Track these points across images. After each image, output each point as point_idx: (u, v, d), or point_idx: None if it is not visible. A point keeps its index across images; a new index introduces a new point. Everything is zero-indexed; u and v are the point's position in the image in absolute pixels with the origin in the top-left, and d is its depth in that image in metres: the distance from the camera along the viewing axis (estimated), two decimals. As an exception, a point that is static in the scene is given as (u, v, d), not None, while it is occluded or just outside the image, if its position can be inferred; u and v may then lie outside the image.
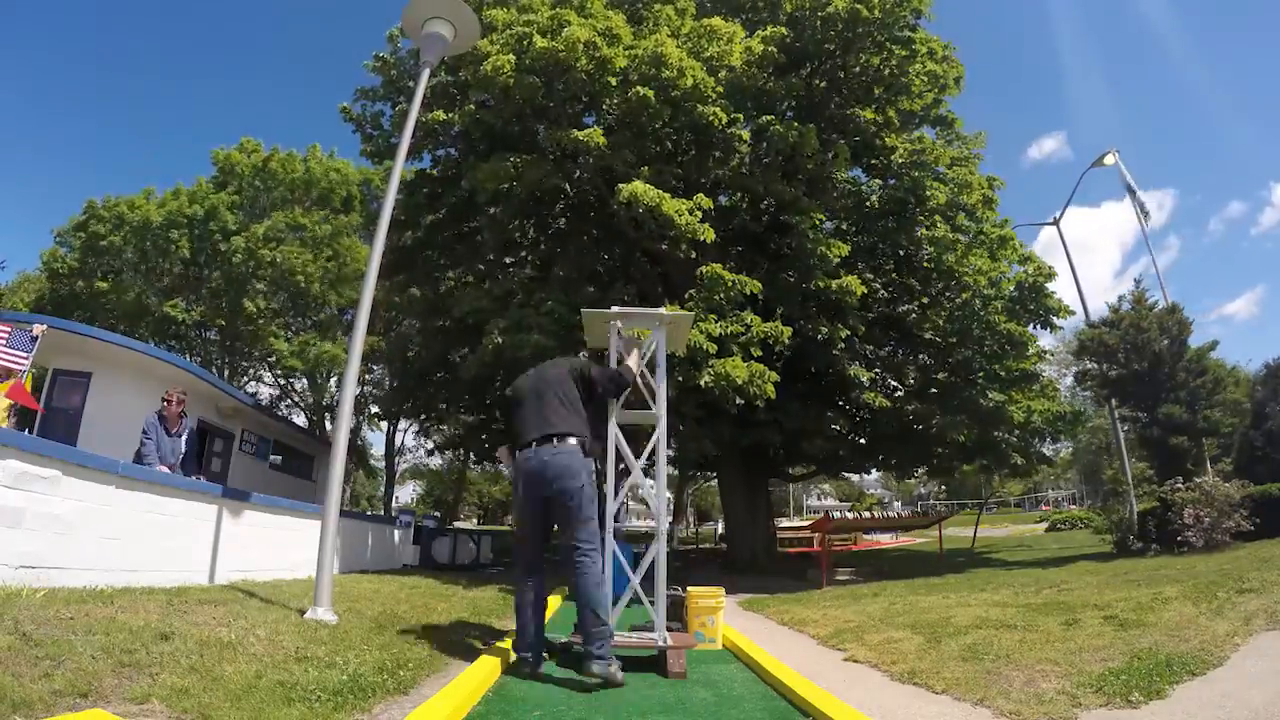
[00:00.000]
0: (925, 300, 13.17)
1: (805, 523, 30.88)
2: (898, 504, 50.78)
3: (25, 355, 6.88)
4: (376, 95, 13.57)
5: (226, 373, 25.28)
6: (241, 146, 25.50)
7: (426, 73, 5.91)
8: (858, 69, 11.77)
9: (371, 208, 24.92)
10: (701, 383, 9.07)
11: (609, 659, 3.32)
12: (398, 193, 6.82)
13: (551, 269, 12.48)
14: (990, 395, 12.42)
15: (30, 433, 7.92)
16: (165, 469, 6.24)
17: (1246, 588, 4.93)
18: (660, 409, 4.23)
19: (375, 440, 34.77)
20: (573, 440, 3.59)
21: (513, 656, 3.78)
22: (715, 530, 33.02)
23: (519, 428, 3.73)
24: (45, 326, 7.53)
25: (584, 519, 3.52)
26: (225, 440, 11.91)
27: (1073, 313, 13.39)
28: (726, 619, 5.10)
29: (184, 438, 6.99)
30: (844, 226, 12.98)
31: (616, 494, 4.23)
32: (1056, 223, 16.86)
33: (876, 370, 13.56)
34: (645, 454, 4.17)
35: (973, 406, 12.11)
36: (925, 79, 12.18)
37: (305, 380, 26.79)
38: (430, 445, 24.90)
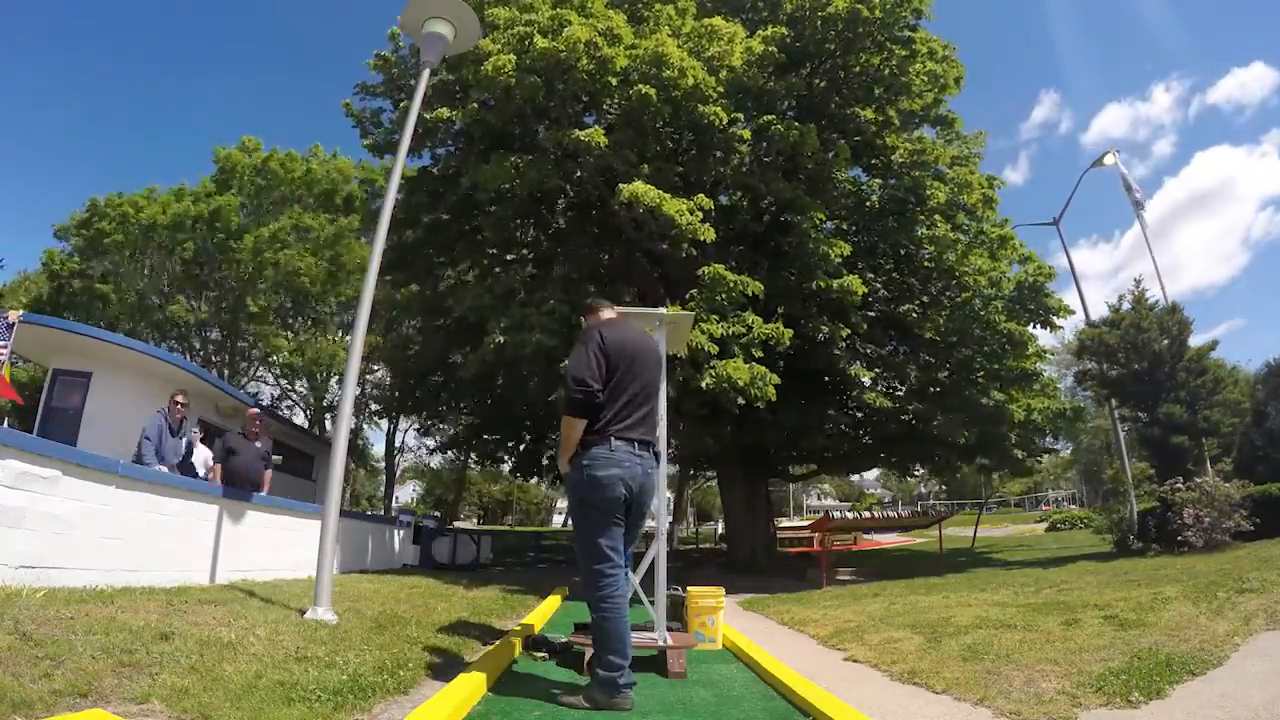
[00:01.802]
0: (926, 300, 13.18)
1: (805, 523, 30.87)
2: (900, 504, 50.73)
3: (3, 344, 6.87)
4: (377, 92, 13.59)
5: (226, 373, 25.28)
6: (242, 145, 25.54)
7: (427, 73, 5.91)
8: (858, 69, 11.77)
9: (373, 206, 24.95)
10: (704, 384, 9.08)
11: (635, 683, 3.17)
12: (398, 191, 6.84)
13: (552, 268, 12.48)
14: (991, 395, 12.43)
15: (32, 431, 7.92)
16: (164, 469, 6.26)
17: (1246, 588, 4.93)
18: (661, 406, 4.23)
19: (375, 439, 34.79)
20: (656, 458, 3.34)
21: (516, 653, 3.78)
22: (715, 530, 33.01)
23: (616, 407, 3.10)
24: (20, 313, 7.53)
25: (636, 537, 3.37)
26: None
27: (1072, 312, 13.40)
28: (726, 619, 5.10)
29: (185, 439, 7.03)
30: (844, 226, 12.99)
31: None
32: (1056, 223, 16.86)
33: (878, 369, 13.56)
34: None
35: (973, 406, 12.11)
36: (925, 79, 12.19)
37: (305, 380, 26.81)
38: (432, 445, 24.98)
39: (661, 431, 4.18)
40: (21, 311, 7.69)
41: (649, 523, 4.83)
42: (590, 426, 3.08)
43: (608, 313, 3.49)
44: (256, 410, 7.99)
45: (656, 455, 3.29)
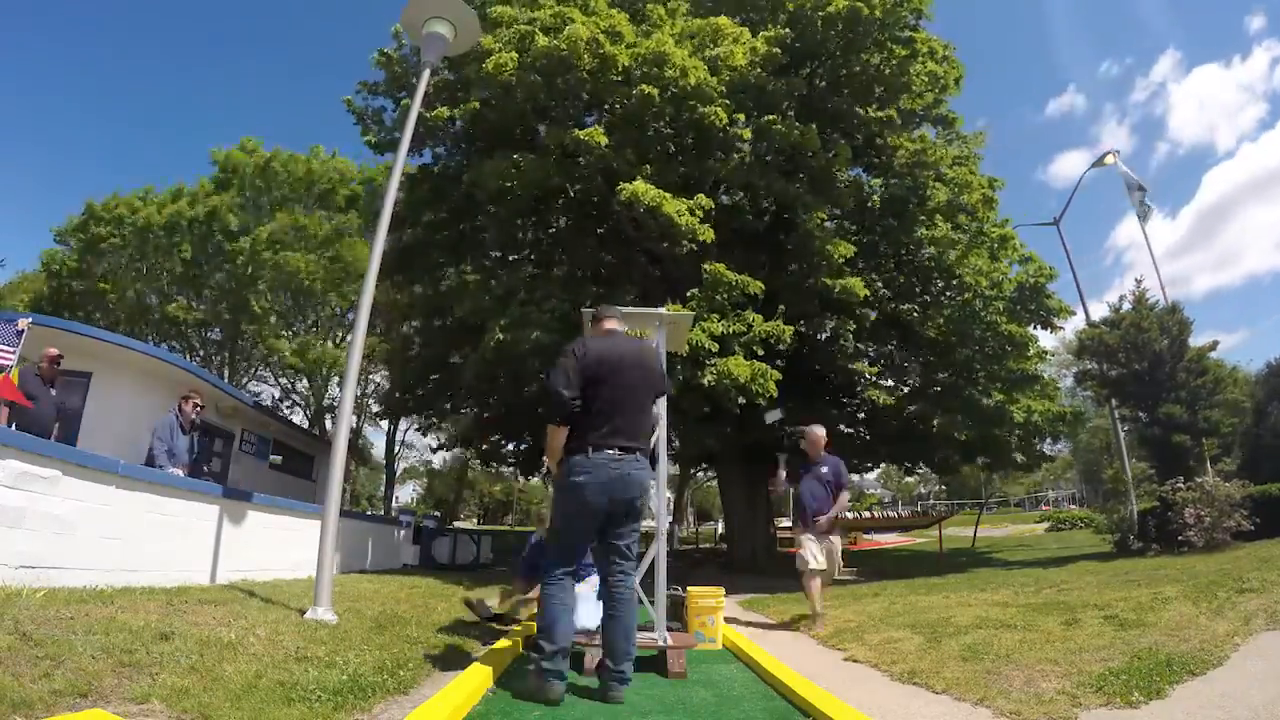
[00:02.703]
0: (926, 300, 13.18)
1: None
2: (900, 504, 50.73)
3: (11, 350, 6.86)
4: (379, 90, 13.62)
5: (226, 372, 25.29)
6: (242, 146, 25.55)
7: (427, 72, 5.91)
8: (858, 68, 11.77)
9: (375, 205, 24.97)
10: (705, 382, 9.07)
11: (631, 679, 3.22)
12: (399, 190, 6.84)
13: (553, 268, 12.49)
14: (991, 395, 12.43)
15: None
16: (178, 471, 6.31)
17: (1246, 587, 4.92)
18: (660, 408, 4.23)
19: (376, 439, 34.82)
20: (647, 459, 3.40)
21: (517, 652, 3.79)
22: (715, 530, 33.02)
23: (594, 415, 3.23)
24: (30, 320, 7.51)
25: (638, 534, 3.41)
26: (225, 440, 11.91)
27: (1073, 313, 13.41)
28: (726, 619, 5.10)
29: (194, 437, 7.07)
30: (846, 225, 12.99)
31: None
32: (1056, 223, 16.86)
33: (879, 366, 13.56)
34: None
35: (973, 406, 12.11)
36: (926, 79, 12.19)
37: (306, 380, 26.83)
38: (434, 445, 24.99)
39: (661, 433, 4.19)
40: (31, 317, 7.66)
41: (649, 523, 4.84)
42: (572, 434, 3.26)
43: (610, 323, 3.61)
44: (54, 350, 6.95)
45: (645, 456, 3.34)
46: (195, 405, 7.02)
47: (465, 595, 5.61)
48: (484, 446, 17.64)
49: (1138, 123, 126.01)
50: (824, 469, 5.82)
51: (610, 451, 3.19)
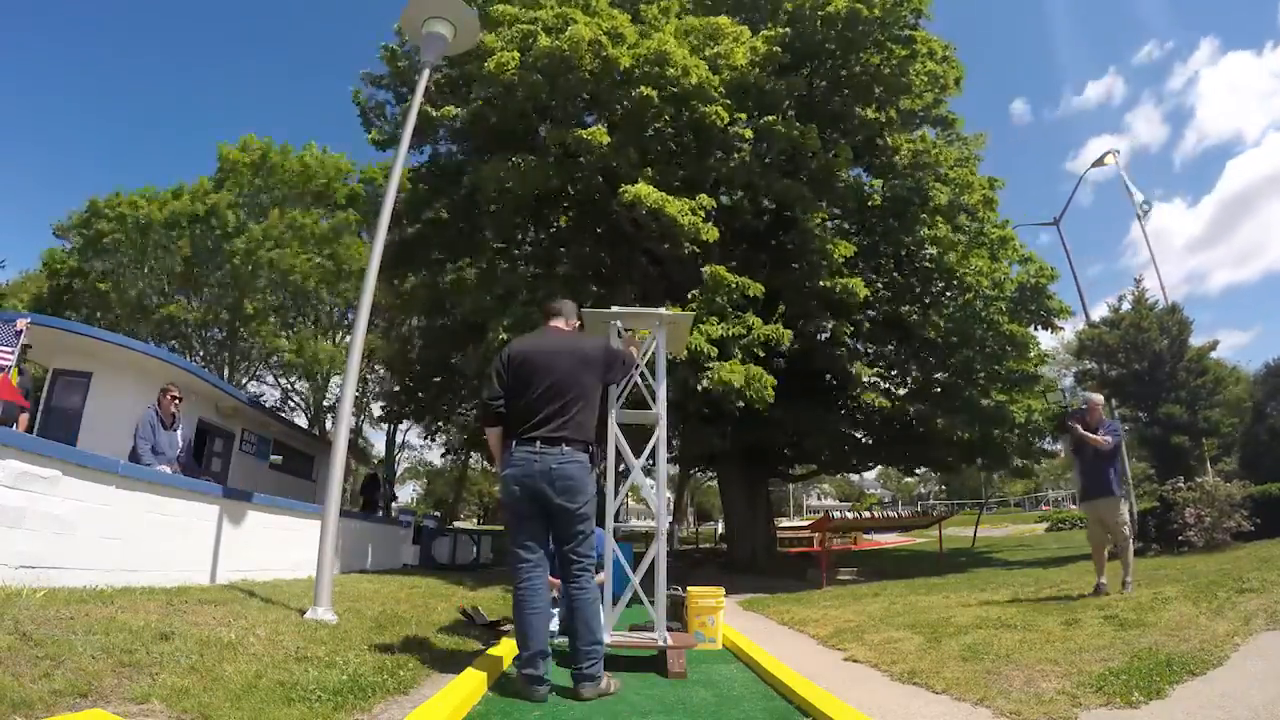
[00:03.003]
0: (927, 300, 13.18)
1: (805, 523, 30.86)
2: (900, 504, 50.75)
3: (10, 350, 6.87)
4: (383, 83, 13.65)
5: (226, 372, 25.28)
6: (244, 145, 25.55)
7: (427, 72, 5.92)
8: (858, 68, 11.77)
9: (375, 201, 24.98)
10: (700, 387, 9.09)
11: (600, 676, 3.18)
12: (399, 188, 6.84)
13: (554, 268, 12.48)
14: (992, 395, 12.42)
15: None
16: (165, 467, 6.24)
17: (1246, 587, 4.92)
18: (660, 409, 4.23)
19: (376, 439, 34.81)
20: (582, 450, 3.26)
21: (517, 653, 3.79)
22: (715, 530, 33.01)
23: (519, 411, 3.27)
24: (29, 321, 7.50)
25: (586, 534, 3.28)
26: (225, 440, 11.90)
27: (1073, 313, 13.40)
28: (726, 619, 5.10)
29: (179, 431, 6.96)
30: (846, 225, 12.99)
31: (616, 494, 4.23)
32: (1056, 223, 16.87)
33: (880, 366, 13.57)
34: (645, 453, 4.17)
35: (974, 406, 12.11)
36: (925, 79, 12.19)
37: (305, 380, 26.81)
38: (436, 446, 25.00)
39: (661, 433, 4.18)
40: (30, 317, 7.66)
41: (649, 523, 4.84)
42: (505, 433, 3.34)
43: (553, 320, 3.65)
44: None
45: (577, 448, 3.24)
46: (173, 398, 6.77)
47: (461, 605, 5.64)
48: (484, 447, 17.62)
49: (1170, 111, 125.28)
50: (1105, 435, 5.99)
51: (530, 446, 3.20)
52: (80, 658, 2.53)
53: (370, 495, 16.93)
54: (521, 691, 3.08)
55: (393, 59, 13.15)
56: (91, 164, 68.51)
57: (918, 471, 18.53)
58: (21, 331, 7.03)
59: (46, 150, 73.44)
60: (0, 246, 68.12)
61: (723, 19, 11.19)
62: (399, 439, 31.09)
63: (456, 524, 28.68)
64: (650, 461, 4.32)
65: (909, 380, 13.90)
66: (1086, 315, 15.20)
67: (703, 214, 9.66)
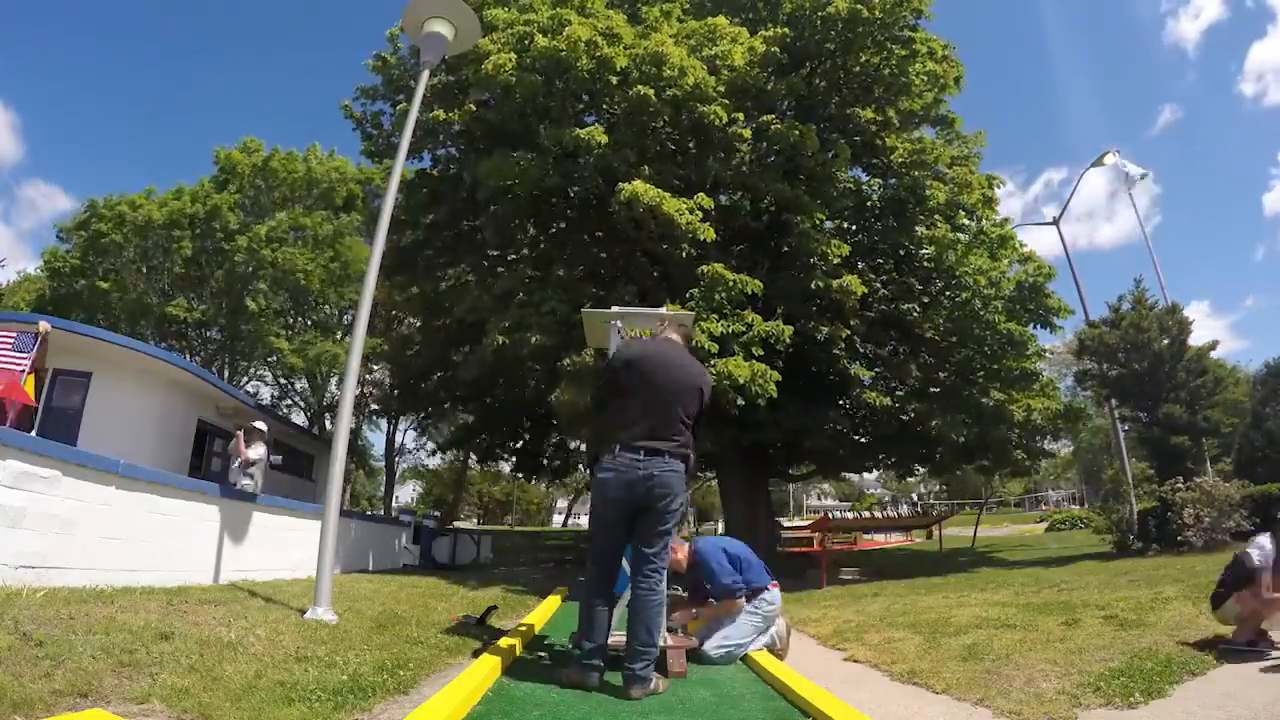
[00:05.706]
0: (925, 300, 13.18)
1: (805, 523, 30.86)
2: (900, 504, 50.72)
3: (25, 356, 6.91)
4: (376, 94, 13.60)
5: (227, 372, 25.29)
6: (244, 146, 25.57)
7: (426, 73, 5.91)
8: (857, 69, 11.76)
9: (373, 205, 25.00)
10: None
11: (650, 678, 3.23)
12: (398, 192, 6.84)
13: (552, 268, 12.47)
14: (991, 395, 12.42)
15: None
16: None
17: (1246, 588, 4.92)
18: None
19: (375, 440, 34.81)
20: (681, 460, 3.36)
21: (517, 653, 3.80)
22: (715, 530, 33.02)
23: (625, 421, 3.34)
24: (49, 325, 7.53)
25: (667, 540, 3.44)
26: (225, 440, 11.92)
27: (1072, 312, 13.40)
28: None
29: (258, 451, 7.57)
30: (845, 225, 12.98)
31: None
32: (1056, 222, 16.87)
33: (878, 369, 13.56)
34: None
35: (973, 406, 12.10)
36: (925, 79, 12.16)
37: (305, 380, 26.80)
38: (432, 446, 24.99)
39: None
40: (49, 324, 7.69)
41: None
42: (605, 433, 3.45)
43: (672, 333, 3.74)
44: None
45: (670, 456, 3.33)
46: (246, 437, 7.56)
47: (454, 617, 5.66)
48: (483, 446, 17.66)
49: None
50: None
51: (632, 453, 3.28)
52: (80, 658, 2.53)
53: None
54: (581, 678, 3.22)
55: (384, 68, 13.12)
56: (92, 164, 68.56)
57: (918, 471, 18.50)
58: (39, 335, 7.08)
59: (46, 150, 73.42)
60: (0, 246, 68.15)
61: (721, 19, 11.18)
62: (397, 440, 31.07)
63: (456, 524, 28.66)
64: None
65: (908, 380, 13.89)
66: (1086, 315, 15.22)
67: (700, 214, 9.65)
